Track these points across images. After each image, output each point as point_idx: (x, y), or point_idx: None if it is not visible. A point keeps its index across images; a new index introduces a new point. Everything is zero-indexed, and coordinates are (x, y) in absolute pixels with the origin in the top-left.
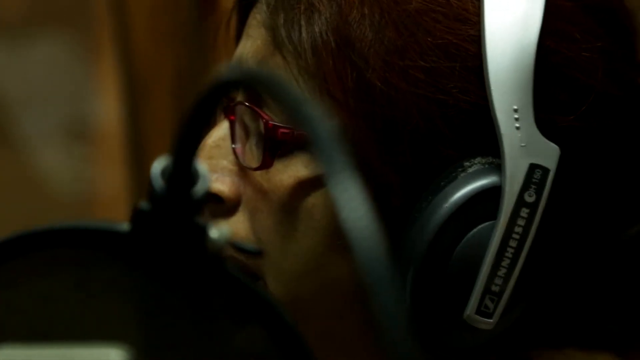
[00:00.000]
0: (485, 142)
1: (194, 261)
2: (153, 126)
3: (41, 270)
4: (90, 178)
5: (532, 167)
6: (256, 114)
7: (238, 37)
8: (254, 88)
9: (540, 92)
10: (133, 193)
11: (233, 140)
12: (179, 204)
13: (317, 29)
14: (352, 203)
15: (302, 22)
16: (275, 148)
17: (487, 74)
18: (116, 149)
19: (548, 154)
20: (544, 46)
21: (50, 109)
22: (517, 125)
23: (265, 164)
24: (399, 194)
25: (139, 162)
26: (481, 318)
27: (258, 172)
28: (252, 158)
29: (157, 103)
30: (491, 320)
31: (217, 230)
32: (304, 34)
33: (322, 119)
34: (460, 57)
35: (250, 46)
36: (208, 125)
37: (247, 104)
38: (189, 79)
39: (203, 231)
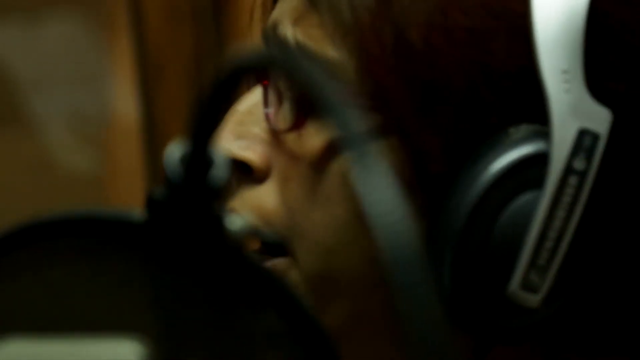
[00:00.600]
0: (531, 107)
1: (212, 251)
2: (168, 107)
3: (52, 260)
4: (103, 160)
5: (582, 132)
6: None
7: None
8: (273, 71)
9: (591, 55)
10: (147, 176)
11: (265, 105)
12: (196, 191)
13: None
14: (380, 198)
15: None
16: (307, 107)
17: (535, 34)
18: (131, 131)
19: (599, 118)
20: (596, 7)
21: (63, 89)
22: (566, 88)
23: (297, 124)
24: (438, 160)
25: (153, 144)
26: (527, 294)
27: (291, 139)
28: (284, 121)
29: (172, 83)
30: (537, 297)
31: (237, 219)
32: None
33: (346, 104)
34: (506, 16)
35: (287, 6)
36: (225, 109)
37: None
38: (205, 59)
39: (222, 220)
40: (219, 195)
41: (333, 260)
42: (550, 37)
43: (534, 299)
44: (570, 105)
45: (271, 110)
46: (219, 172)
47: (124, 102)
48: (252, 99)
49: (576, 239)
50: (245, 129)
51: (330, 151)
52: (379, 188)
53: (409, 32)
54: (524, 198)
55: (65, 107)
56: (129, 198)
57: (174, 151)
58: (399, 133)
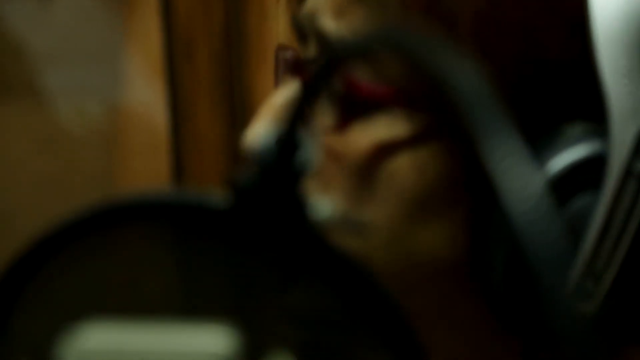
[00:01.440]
0: (585, 104)
1: (299, 237)
2: (195, 87)
3: (131, 244)
4: (121, 142)
5: None
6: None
7: None
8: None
9: None
10: (171, 156)
11: None
12: (287, 177)
13: None
14: (520, 180)
15: None
16: (353, 106)
17: (594, 29)
18: (154, 113)
19: None
20: None
21: (77, 64)
22: (627, 88)
23: (343, 125)
24: None
25: (179, 126)
26: (579, 301)
27: (332, 136)
28: (325, 118)
29: (200, 62)
30: (591, 304)
31: (320, 205)
32: None
33: (476, 79)
34: (563, 9)
35: None
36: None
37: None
38: (234, 38)
39: (307, 205)
40: (303, 180)
41: (381, 260)
42: (610, 33)
43: (587, 306)
44: (630, 106)
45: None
46: (309, 157)
47: (147, 79)
48: (288, 93)
49: (633, 245)
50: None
51: (378, 150)
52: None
53: (460, 26)
54: (580, 201)
55: (77, 83)
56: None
57: (265, 136)
58: (452, 134)
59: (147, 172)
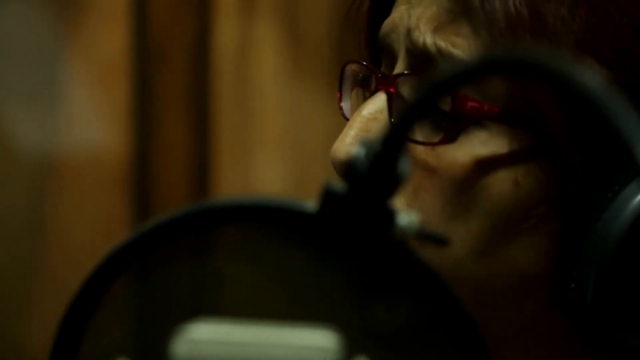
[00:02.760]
0: None
1: (380, 246)
2: (165, 97)
3: (222, 245)
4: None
5: None
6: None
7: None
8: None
9: None
10: (132, 169)
11: (391, 114)
12: (379, 187)
13: (511, 1)
14: None
15: None
16: (458, 122)
17: None
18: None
19: None
20: None
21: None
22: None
23: (449, 139)
24: (582, 179)
25: (147, 136)
26: None
27: (422, 149)
28: (415, 133)
29: (170, 72)
30: None
31: (407, 216)
32: (497, 4)
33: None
34: None
35: (423, 12)
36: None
37: (412, 74)
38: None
39: (393, 216)
40: (396, 192)
41: (464, 273)
42: None
43: None
44: None
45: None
46: (404, 168)
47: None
48: (376, 105)
49: None
50: (371, 135)
51: (474, 166)
52: None
53: (562, 49)
54: None
55: (21, 88)
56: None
57: (361, 147)
58: (548, 153)
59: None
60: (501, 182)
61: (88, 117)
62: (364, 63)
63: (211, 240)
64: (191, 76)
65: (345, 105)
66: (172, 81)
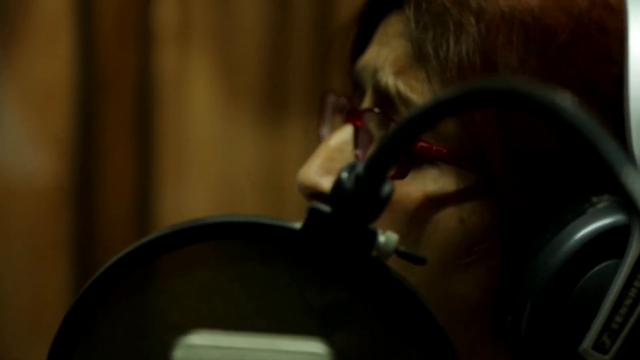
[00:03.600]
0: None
1: (360, 264)
2: (108, 126)
3: (207, 260)
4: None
5: None
6: (388, 123)
7: (359, 42)
8: (520, 105)
9: None
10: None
11: (356, 146)
12: (362, 209)
13: (464, 49)
14: None
15: (451, 41)
16: (411, 160)
17: (628, 115)
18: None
19: None
20: None
21: None
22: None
23: (400, 175)
24: (524, 219)
25: (87, 164)
26: (597, 354)
27: None
28: None
29: (115, 102)
30: (606, 357)
31: (385, 236)
32: (451, 52)
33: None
34: (600, 94)
35: (388, 54)
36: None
37: (378, 111)
38: (148, 78)
39: (374, 236)
40: (379, 213)
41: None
42: None
43: (602, 358)
44: None
45: (360, 152)
46: (387, 190)
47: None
48: (342, 136)
49: None
50: (335, 165)
51: (426, 201)
52: None
53: None
54: (605, 265)
55: None
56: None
57: (348, 169)
58: (493, 193)
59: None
60: (448, 219)
61: (24, 143)
62: (339, 96)
63: (199, 257)
64: (133, 104)
65: (324, 131)
66: (114, 109)
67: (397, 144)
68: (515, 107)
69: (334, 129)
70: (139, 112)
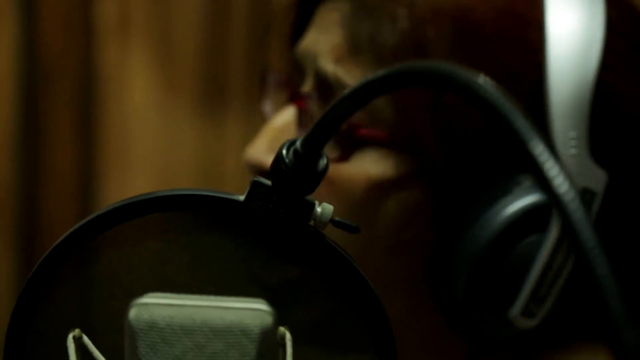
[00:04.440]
0: None
1: (298, 232)
2: (52, 122)
3: (157, 231)
4: None
5: (583, 190)
6: (323, 108)
7: (296, 20)
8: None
9: (595, 123)
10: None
11: (299, 126)
12: (300, 181)
13: (398, 40)
14: (557, 178)
15: (386, 32)
16: (354, 144)
17: (549, 100)
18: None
19: (597, 179)
20: (600, 81)
21: None
22: (573, 151)
23: (344, 158)
24: (457, 196)
25: (34, 163)
26: (525, 319)
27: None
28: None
29: (59, 94)
30: (533, 322)
31: (322, 207)
32: (386, 43)
33: (521, 114)
34: (525, 81)
35: (327, 41)
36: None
37: (318, 95)
38: (90, 73)
39: (311, 206)
40: (316, 186)
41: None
42: (562, 105)
43: (530, 324)
44: (575, 167)
45: (303, 133)
46: (323, 164)
47: None
48: (286, 117)
49: (570, 276)
50: (279, 144)
51: (366, 183)
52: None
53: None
54: (531, 239)
55: None
56: None
57: (287, 146)
58: (428, 173)
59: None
60: (389, 198)
61: None
62: (280, 73)
63: (150, 229)
64: (75, 98)
65: (267, 107)
66: (57, 103)
67: (332, 121)
68: (438, 86)
69: (275, 103)
70: (82, 106)
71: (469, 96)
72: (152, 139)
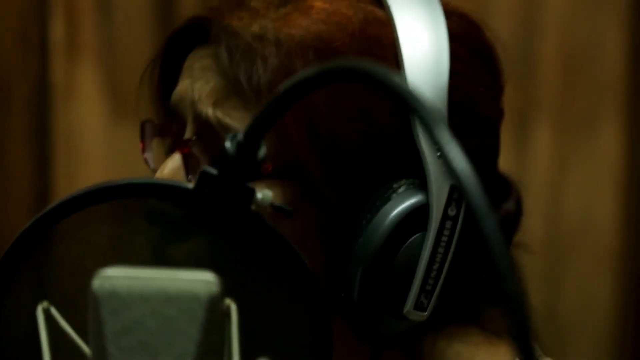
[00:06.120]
0: (407, 165)
1: (242, 215)
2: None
3: (115, 217)
4: None
5: (453, 188)
6: (211, 149)
7: (164, 70)
8: (361, 79)
9: (452, 122)
10: None
11: (187, 172)
12: (243, 170)
13: (271, 76)
14: (456, 156)
15: (260, 70)
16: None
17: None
18: None
19: None
20: (451, 85)
21: None
22: (439, 153)
23: None
24: (341, 212)
25: None
26: (418, 312)
27: None
28: None
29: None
30: (425, 314)
31: (262, 193)
32: (261, 80)
33: (424, 99)
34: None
35: (202, 87)
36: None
37: (200, 139)
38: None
39: (252, 193)
40: (257, 175)
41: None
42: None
43: (422, 316)
44: (443, 167)
45: (192, 177)
46: (262, 157)
47: None
48: (173, 164)
49: (451, 266)
50: None
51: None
52: (458, 157)
53: (315, 113)
54: (414, 239)
55: None
56: None
57: (230, 139)
58: (313, 195)
59: None
60: (279, 223)
61: None
62: (157, 122)
63: (107, 215)
64: (32, 114)
65: (149, 155)
66: (14, 117)
67: (269, 115)
68: (356, 80)
69: (155, 151)
70: (35, 116)
71: (383, 88)
72: (99, 145)
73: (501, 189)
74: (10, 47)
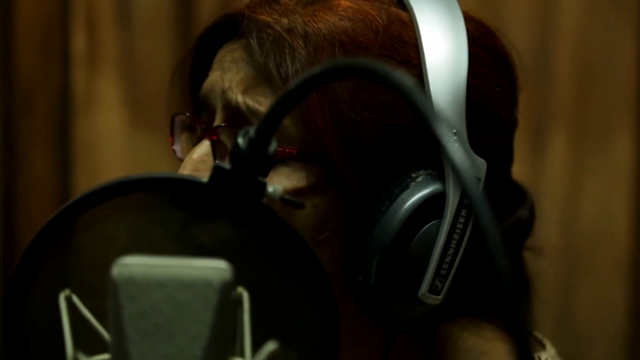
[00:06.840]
0: (426, 157)
1: (254, 208)
2: (32, 138)
3: (135, 208)
4: None
5: None
6: (234, 136)
7: (195, 66)
8: (366, 76)
9: (468, 119)
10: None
11: (215, 157)
12: (255, 165)
13: (299, 66)
14: (456, 151)
15: (288, 61)
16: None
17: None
18: None
19: (479, 167)
20: (469, 84)
21: None
22: (457, 145)
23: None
24: (362, 198)
25: (14, 174)
26: (432, 295)
27: None
28: None
29: (38, 115)
30: (439, 297)
31: (273, 187)
32: (290, 70)
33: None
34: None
35: (233, 77)
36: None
37: (228, 126)
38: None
39: (263, 186)
40: (268, 169)
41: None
42: (443, 108)
43: (437, 299)
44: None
45: (220, 161)
46: (272, 151)
47: None
48: (202, 150)
49: (465, 253)
50: (200, 174)
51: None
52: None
53: (340, 104)
54: (431, 225)
55: None
56: None
57: (242, 135)
58: (336, 181)
59: None
60: (302, 212)
61: None
62: (188, 114)
63: (127, 207)
64: (54, 123)
65: (177, 147)
66: (37, 126)
67: (279, 111)
68: (368, 79)
69: (184, 144)
70: (57, 125)
71: (389, 86)
72: (118, 152)
73: (515, 196)
74: (33, 58)
